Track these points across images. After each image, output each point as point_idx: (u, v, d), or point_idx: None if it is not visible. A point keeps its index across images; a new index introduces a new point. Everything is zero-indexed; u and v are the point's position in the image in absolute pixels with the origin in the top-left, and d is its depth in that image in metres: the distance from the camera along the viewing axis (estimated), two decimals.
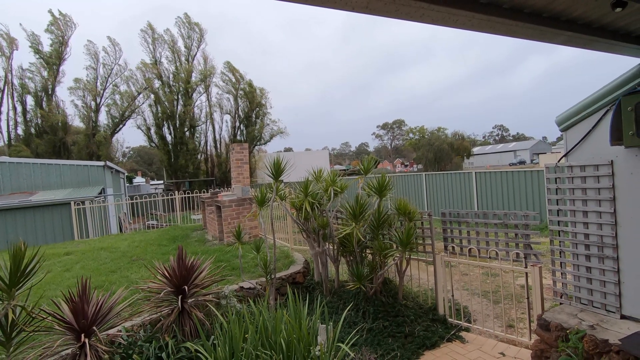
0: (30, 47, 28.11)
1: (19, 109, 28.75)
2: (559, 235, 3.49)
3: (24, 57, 64.24)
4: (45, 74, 28.77)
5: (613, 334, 2.79)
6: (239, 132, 34.76)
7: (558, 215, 3.47)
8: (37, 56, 28.44)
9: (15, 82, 28.40)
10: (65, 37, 29.16)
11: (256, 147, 35.97)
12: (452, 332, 4.49)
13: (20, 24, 34.45)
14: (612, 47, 2.82)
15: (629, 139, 2.78)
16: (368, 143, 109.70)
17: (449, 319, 4.75)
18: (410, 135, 69.65)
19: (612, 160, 3.03)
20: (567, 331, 3.00)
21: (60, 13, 28.81)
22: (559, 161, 3.46)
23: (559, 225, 3.47)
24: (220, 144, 35.08)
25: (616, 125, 2.87)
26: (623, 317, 2.99)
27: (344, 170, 44.32)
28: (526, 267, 4.11)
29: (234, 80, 34.24)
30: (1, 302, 2.88)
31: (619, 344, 2.65)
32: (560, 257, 3.49)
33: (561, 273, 3.50)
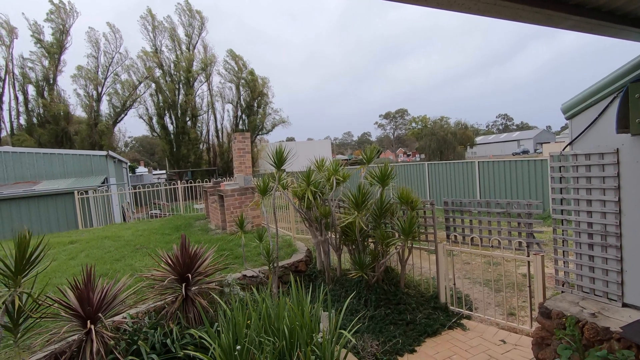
0: (32, 35, 27.91)
1: (21, 98, 28.71)
2: (562, 224, 3.47)
3: (25, 46, 63.93)
4: (46, 63, 28.59)
5: (614, 321, 2.80)
6: (240, 122, 34.59)
7: (561, 204, 3.45)
8: (38, 45, 28.25)
9: (17, 71, 28.30)
10: (67, 26, 28.89)
11: (258, 137, 35.85)
12: (453, 320, 4.52)
13: (23, 13, 34.11)
14: (620, 32, 2.75)
15: (635, 126, 2.73)
16: (370, 133, 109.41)
17: (451, 307, 4.78)
18: (413, 124, 69.08)
19: (617, 149, 2.99)
20: (564, 319, 3.01)
21: (61, 1, 28.51)
22: (563, 149, 3.42)
23: (562, 214, 3.45)
24: (222, 134, 34.96)
25: (623, 112, 2.82)
26: (625, 305, 3.00)
27: (347, 159, 44.30)
28: (528, 256, 4.11)
29: (236, 68, 33.91)
30: (7, 289, 2.92)
31: (620, 331, 2.66)
32: (563, 245, 3.49)
33: (563, 262, 3.50)
